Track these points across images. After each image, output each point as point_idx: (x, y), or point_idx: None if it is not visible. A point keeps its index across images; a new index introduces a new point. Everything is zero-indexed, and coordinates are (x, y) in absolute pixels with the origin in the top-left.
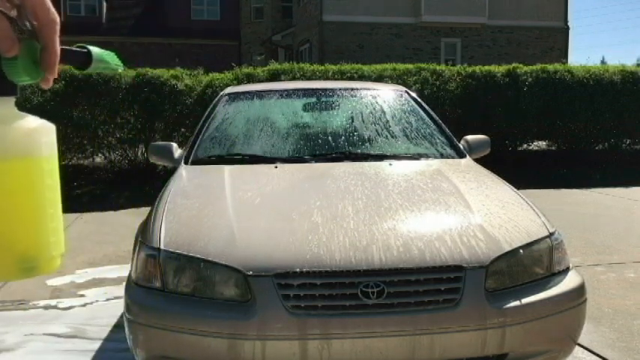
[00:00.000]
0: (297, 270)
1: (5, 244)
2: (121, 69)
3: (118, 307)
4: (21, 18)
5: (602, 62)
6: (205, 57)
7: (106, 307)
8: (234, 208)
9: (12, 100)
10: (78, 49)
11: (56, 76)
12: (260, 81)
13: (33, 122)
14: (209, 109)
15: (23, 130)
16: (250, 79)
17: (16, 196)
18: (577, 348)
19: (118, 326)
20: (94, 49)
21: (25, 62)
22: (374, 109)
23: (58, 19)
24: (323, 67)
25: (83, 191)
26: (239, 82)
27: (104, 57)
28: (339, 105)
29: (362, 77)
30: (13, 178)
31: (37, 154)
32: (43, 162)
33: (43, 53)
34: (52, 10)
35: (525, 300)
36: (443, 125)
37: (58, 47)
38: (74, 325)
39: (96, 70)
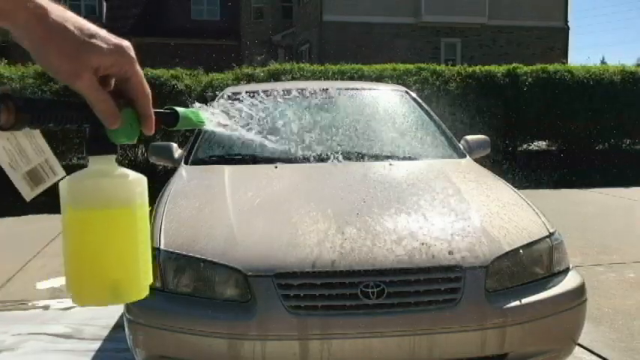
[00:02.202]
0: (297, 270)
1: (103, 275)
2: (204, 125)
3: (118, 308)
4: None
5: (602, 62)
6: (205, 57)
7: (105, 307)
8: (234, 209)
9: (113, 157)
10: (168, 111)
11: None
12: (260, 81)
13: (129, 175)
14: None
15: (122, 182)
16: (250, 79)
17: (113, 237)
18: (577, 348)
19: (117, 326)
20: (180, 110)
21: (124, 129)
22: (374, 109)
23: (150, 92)
24: (323, 67)
25: None
26: (239, 83)
27: (188, 115)
28: (339, 105)
29: (362, 77)
30: (113, 222)
31: (132, 202)
32: (136, 209)
33: (142, 120)
34: (147, 85)
35: (525, 300)
36: (443, 125)
37: (153, 114)
38: (74, 326)
39: (182, 127)
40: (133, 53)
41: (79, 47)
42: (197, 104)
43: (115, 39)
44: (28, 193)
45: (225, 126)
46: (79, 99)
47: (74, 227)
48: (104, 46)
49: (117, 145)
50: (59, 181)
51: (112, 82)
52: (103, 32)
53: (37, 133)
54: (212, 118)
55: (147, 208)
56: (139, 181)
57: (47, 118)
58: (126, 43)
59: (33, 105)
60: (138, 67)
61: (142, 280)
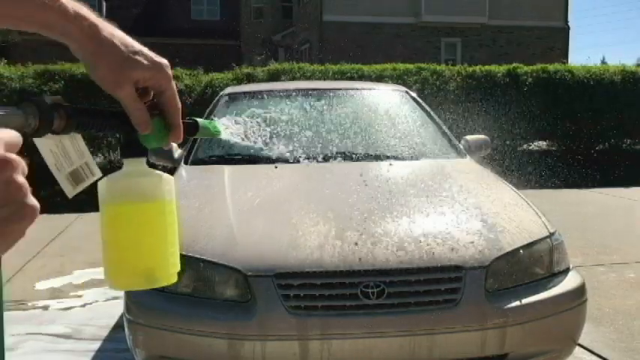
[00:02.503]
0: (298, 270)
1: (136, 263)
2: (220, 135)
3: (118, 308)
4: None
5: (603, 62)
6: (205, 57)
7: (105, 307)
8: (234, 209)
9: (144, 159)
10: (190, 121)
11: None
12: (260, 81)
13: (159, 175)
14: (209, 109)
15: (153, 181)
16: (250, 79)
17: (146, 230)
18: (577, 348)
19: (117, 327)
20: (200, 120)
21: (155, 135)
22: (374, 109)
23: (180, 105)
24: (323, 67)
25: (83, 191)
26: (239, 82)
27: (206, 125)
28: (339, 105)
29: (362, 77)
30: (144, 216)
31: (161, 198)
32: (165, 204)
33: (172, 130)
34: (178, 99)
35: (526, 300)
36: (443, 125)
37: (182, 125)
38: (73, 326)
39: (200, 136)
40: (169, 71)
41: (123, 62)
42: (216, 118)
43: (155, 57)
44: (70, 191)
45: (238, 136)
46: (117, 109)
47: (111, 221)
48: (145, 62)
49: (147, 149)
50: (96, 181)
51: (152, 93)
52: (145, 49)
53: (79, 137)
54: (226, 128)
55: (174, 204)
56: (167, 180)
57: (91, 125)
58: (164, 62)
59: (80, 113)
60: (173, 84)
61: (171, 267)
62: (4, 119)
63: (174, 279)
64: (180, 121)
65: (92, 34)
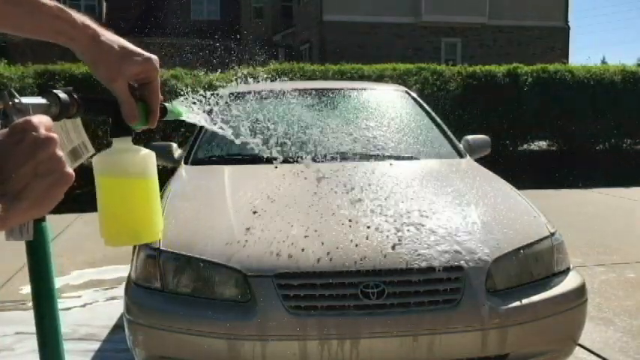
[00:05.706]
0: (298, 270)
1: (126, 225)
2: (181, 116)
3: (118, 308)
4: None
5: (603, 62)
6: (205, 57)
7: (105, 307)
8: (234, 209)
9: (130, 138)
10: (161, 106)
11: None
12: (260, 81)
13: (143, 151)
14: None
15: (138, 157)
16: (250, 79)
17: (133, 198)
18: (577, 348)
19: (117, 327)
20: (167, 105)
21: (140, 119)
22: (374, 109)
23: (159, 96)
24: (323, 67)
25: (83, 191)
26: (239, 83)
27: (172, 109)
28: (339, 105)
29: (362, 77)
30: (132, 188)
31: (146, 170)
32: (148, 175)
33: (149, 115)
34: (159, 90)
35: (526, 300)
36: (443, 125)
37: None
38: (73, 326)
39: (170, 118)
40: (157, 65)
41: (119, 61)
42: (179, 99)
43: (145, 53)
44: (70, 166)
45: (201, 116)
46: (110, 98)
47: (104, 190)
48: (138, 59)
49: (132, 130)
50: (91, 156)
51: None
52: (137, 49)
53: (78, 121)
54: (189, 110)
55: (156, 175)
56: (149, 155)
57: (92, 110)
58: (154, 56)
59: (87, 101)
60: (158, 76)
61: (156, 226)
62: (36, 108)
63: (157, 237)
64: (158, 107)
65: (94, 40)
